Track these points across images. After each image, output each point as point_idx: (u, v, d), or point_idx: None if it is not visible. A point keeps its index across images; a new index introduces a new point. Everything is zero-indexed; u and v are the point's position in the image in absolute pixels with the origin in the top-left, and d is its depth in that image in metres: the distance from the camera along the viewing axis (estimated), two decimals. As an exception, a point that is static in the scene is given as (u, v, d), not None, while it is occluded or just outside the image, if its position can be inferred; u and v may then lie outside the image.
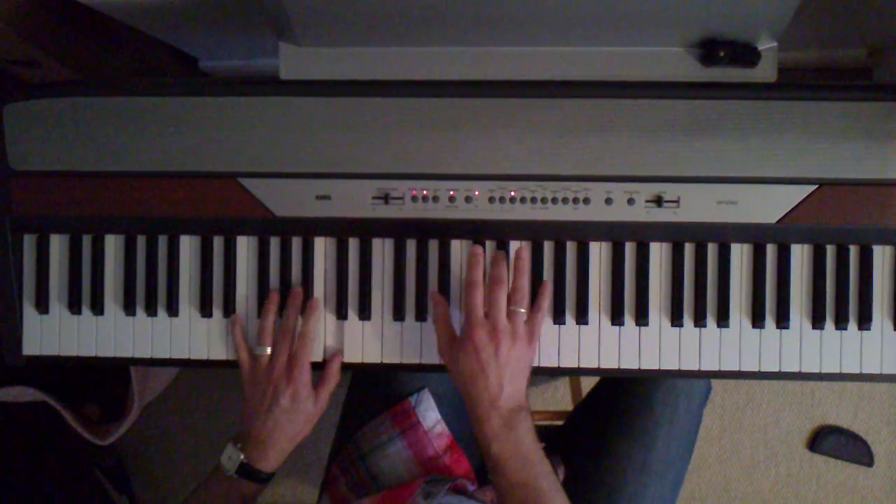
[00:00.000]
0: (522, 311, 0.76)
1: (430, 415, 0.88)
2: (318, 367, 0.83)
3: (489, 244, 0.82)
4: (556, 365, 0.82)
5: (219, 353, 0.85)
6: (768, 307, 0.81)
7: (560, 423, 1.04)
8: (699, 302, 0.81)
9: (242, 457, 0.78)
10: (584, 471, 0.89)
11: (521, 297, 0.76)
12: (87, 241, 0.86)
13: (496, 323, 0.75)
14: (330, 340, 0.84)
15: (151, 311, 0.85)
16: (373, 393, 0.92)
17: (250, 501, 0.80)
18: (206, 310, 0.85)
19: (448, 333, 0.78)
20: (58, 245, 0.86)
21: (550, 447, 0.99)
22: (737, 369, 0.81)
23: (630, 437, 0.88)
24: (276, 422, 0.79)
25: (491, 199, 0.80)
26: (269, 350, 0.81)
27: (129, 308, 0.85)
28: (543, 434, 1.04)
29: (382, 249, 0.84)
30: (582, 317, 0.82)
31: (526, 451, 0.72)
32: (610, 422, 0.90)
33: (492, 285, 0.76)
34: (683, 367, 0.81)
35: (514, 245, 0.82)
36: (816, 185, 0.78)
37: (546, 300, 0.79)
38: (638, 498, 0.87)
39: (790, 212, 0.79)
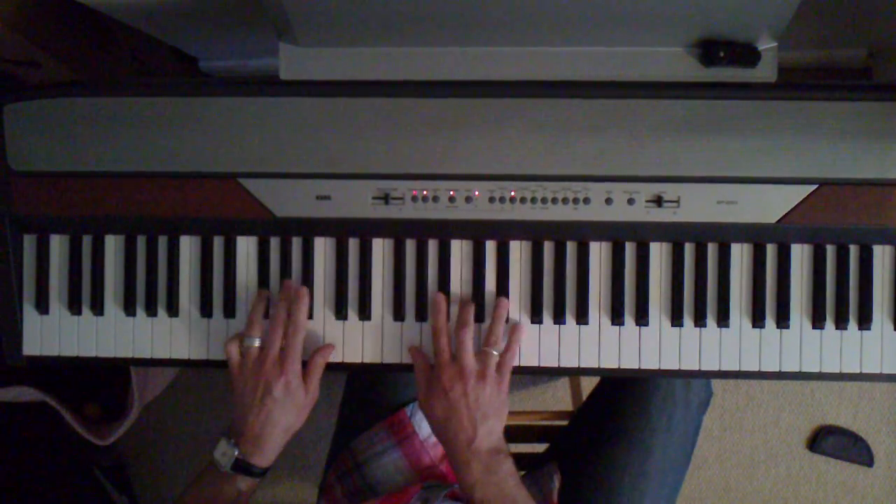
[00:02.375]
0: (495, 353, 0.78)
1: (425, 424, 0.88)
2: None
3: (489, 244, 0.82)
4: (556, 365, 0.82)
5: (219, 353, 0.85)
6: (768, 307, 0.81)
7: (561, 423, 1.04)
8: (699, 302, 0.81)
9: (237, 452, 0.77)
10: (582, 478, 0.88)
11: (495, 340, 0.78)
12: (87, 241, 0.86)
13: (463, 362, 0.76)
14: (330, 341, 0.84)
15: (151, 311, 0.85)
16: (368, 402, 0.92)
17: (246, 497, 0.79)
18: (206, 310, 0.85)
19: (427, 384, 0.79)
20: (58, 245, 0.86)
21: (548, 452, 0.99)
22: (737, 369, 0.81)
23: (627, 444, 0.87)
24: (269, 414, 0.78)
25: (491, 199, 0.80)
26: (258, 342, 0.80)
27: (129, 308, 0.85)
28: (543, 434, 1.05)
29: (382, 249, 0.84)
30: (582, 317, 0.82)
31: (509, 493, 0.73)
32: (607, 429, 0.90)
33: (458, 327, 0.78)
34: (683, 367, 0.81)
35: (514, 245, 0.82)
36: (816, 185, 0.78)
37: (517, 343, 0.80)
38: None
39: (790, 212, 0.78)
